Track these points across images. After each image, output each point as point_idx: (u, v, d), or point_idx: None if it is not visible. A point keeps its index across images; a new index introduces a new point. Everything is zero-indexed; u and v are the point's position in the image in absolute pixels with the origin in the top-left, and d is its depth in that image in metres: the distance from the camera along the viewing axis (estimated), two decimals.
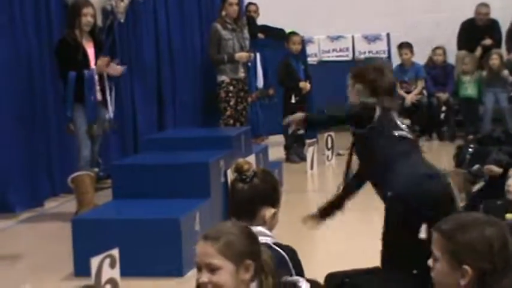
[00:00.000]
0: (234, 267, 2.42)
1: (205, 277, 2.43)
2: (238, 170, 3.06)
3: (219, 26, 9.06)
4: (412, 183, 3.99)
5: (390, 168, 4.09)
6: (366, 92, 4.40)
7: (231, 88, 9.07)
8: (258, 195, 3.04)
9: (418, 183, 3.98)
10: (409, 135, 4.25)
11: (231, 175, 3.23)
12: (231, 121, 9.05)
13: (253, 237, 2.52)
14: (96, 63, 6.98)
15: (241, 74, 9.16)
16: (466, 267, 2.25)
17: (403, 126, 4.29)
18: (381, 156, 4.15)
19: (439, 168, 4.18)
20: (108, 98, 7.09)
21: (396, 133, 4.21)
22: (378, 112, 4.23)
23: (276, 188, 3.14)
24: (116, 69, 7.19)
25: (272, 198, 3.07)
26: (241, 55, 9.02)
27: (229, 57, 8.99)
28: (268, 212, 3.03)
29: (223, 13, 9.09)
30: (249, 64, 9.31)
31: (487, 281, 2.25)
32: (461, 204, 3.89)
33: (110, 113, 7.15)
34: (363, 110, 4.32)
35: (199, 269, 2.46)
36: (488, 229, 2.29)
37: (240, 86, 9.17)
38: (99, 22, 7.98)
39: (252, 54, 9.37)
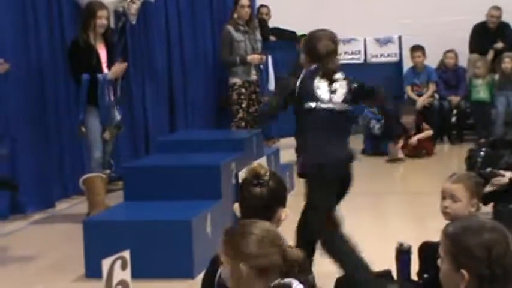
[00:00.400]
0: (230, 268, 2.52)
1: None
2: (256, 175, 3.08)
3: (231, 28, 9.07)
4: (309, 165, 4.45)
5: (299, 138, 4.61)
6: (307, 59, 4.68)
7: (243, 90, 9.07)
8: (276, 198, 3.10)
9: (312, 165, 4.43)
10: (323, 106, 4.47)
11: (243, 179, 3.21)
12: (243, 123, 9.05)
13: (262, 240, 2.52)
14: (108, 66, 6.99)
15: (253, 76, 9.16)
16: (464, 271, 2.25)
17: (323, 96, 4.48)
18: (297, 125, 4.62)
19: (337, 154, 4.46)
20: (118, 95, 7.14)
21: (307, 105, 4.48)
22: (297, 84, 4.54)
23: (286, 187, 3.24)
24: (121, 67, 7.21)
25: (285, 198, 3.14)
26: (253, 57, 9.02)
27: (241, 59, 8.99)
28: (284, 212, 3.09)
29: (235, 15, 9.10)
30: (261, 66, 9.31)
31: (485, 287, 2.24)
32: (473, 209, 3.89)
33: (119, 114, 7.18)
34: (279, 90, 4.93)
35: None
36: (489, 234, 2.28)
37: (252, 89, 9.17)
38: (112, 24, 8.01)
39: (264, 57, 9.37)
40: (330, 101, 4.48)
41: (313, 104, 4.47)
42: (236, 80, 9.11)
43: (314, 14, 11.95)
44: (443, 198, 3.95)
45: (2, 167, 6.85)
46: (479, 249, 2.25)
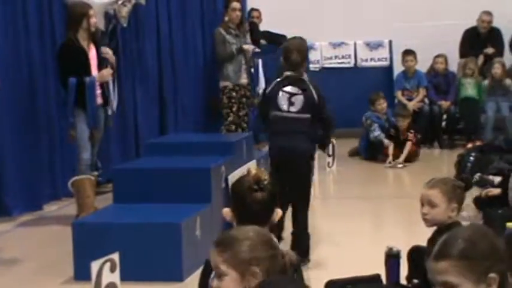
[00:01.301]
0: (238, 276, 2.44)
1: (216, 282, 2.50)
2: (258, 181, 3.06)
3: (221, 30, 9.10)
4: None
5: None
6: (286, 67, 5.68)
7: (234, 94, 9.09)
8: (273, 200, 3.10)
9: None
10: (284, 114, 5.54)
11: (241, 185, 3.15)
12: (233, 127, 9.06)
13: (267, 244, 2.51)
14: (98, 66, 6.98)
15: (244, 80, 9.18)
16: (492, 275, 2.22)
17: (285, 106, 5.55)
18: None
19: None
20: (111, 93, 7.11)
21: (272, 113, 5.58)
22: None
23: (277, 186, 3.21)
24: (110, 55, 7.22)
25: (278, 198, 3.14)
26: (248, 46, 9.12)
27: (237, 50, 9.06)
28: (277, 213, 3.09)
29: (226, 18, 9.12)
30: (252, 70, 9.32)
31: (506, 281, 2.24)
32: (453, 214, 3.90)
33: (113, 107, 7.17)
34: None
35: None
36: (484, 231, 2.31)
37: (243, 92, 9.18)
38: (102, 26, 7.99)
39: (255, 47, 9.45)
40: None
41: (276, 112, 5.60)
42: (227, 84, 9.13)
43: (305, 18, 11.97)
44: (422, 205, 3.96)
45: None
46: (493, 248, 2.25)
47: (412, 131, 10.09)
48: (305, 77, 5.69)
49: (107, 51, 7.15)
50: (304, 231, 5.51)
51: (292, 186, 5.37)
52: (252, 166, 6.93)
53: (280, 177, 4.97)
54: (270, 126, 5.67)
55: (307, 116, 5.53)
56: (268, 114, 5.60)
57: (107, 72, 7.03)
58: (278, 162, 5.56)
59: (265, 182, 3.06)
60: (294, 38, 5.98)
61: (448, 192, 3.90)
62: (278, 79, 5.67)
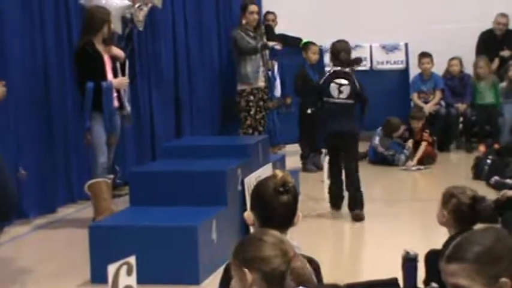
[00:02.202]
0: (238, 276, 2.49)
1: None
2: (284, 183, 3.05)
3: (240, 31, 9.13)
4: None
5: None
6: (335, 63, 7.38)
7: (252, 98, 9.09)
8: (297, 202, 3.10)
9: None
10: (336, 101, 7.16)
11: (267, 188, 3.12)
12: (251, 130, 9.06)
13: (270, 248, 2.50)
14: (113, 72, 7.01)
15: (261, 83, 9.19)
16: (504, 280, 2.20)
17: (335, 94, 7.15)
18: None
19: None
20: (123, 95, 7.13)
21: (325, 99, 7.20)
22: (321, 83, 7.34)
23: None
24: (119, 52, 7.22)
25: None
26: (272, 43, 9.39)
27: (262, 45, 9.10)
28: (298, 215, 3.09)
29: (244, 21, 9.15)
30: (269, 73, 9.32)
31: None
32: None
33: (127, 108, 7.19)
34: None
35: None
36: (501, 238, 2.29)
37: (260, 95, 9.18)
38: (119, 30, 8.01)
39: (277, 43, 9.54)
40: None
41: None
42: (245, 87, 9.13)
43: (320, 21, 11.96)
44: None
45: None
46: (508, 252, 2.24)
47: (427, 131, 10.05)
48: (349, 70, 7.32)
49: (116, 50, 7.14)
50: (359, 189, 7.13)
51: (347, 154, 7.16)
52: (266, 168, 6.93)
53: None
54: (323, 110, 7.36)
55: (352, 102, 7.16)
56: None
57: (125, 80, 7.08)
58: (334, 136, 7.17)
59: (290, 185, 3.06)
60: (339, 40, 7.51)
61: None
62: (328, 73, 7.39)
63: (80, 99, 7.07)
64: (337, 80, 7.14)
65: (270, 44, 9.33)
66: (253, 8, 9.11)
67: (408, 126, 10.19)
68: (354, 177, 7.13)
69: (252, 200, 3.15)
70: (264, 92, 9.22)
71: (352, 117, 7.20)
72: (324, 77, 7.33)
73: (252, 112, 9.10)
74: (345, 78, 7.17)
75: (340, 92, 7.12)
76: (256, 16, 9.16)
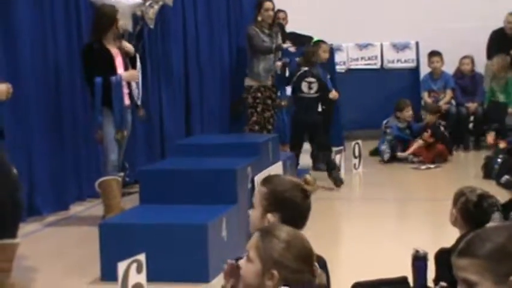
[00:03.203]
0: (261, 269, 2.45)
1: (242, 261, 2.53)
2: (313, 186, 3.09)
3: (255, 28, 9.13)
4: None
5: None
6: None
7: (259, 94, 9.08)
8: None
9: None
10: (307, 96, 8.80)
11: (299, 190, 3.13)
12: (257, 127, 9.04)
13: (299, 255, 2.48)
14: (125, 69, 7.01)
15: (269, 81, 9.18)
16: None
17: (306, 90, 8.80)
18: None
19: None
20: (135, 88, 7.12)
21: (298, 94, 8.83)
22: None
23: None
24: (128, 47, 7.19)
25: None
26: (286, 45, 9.57)
27: (277, 47, 9.11)
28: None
29: (260, 18, 9.13)
30: (278, 72, 9.31)
31: None
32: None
33: (138, 100, 7.18)
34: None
35: None
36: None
37: (268, 94, 9.17)
38: (130, 28, 8.02)
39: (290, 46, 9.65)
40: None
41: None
42: (253, 83, 9.12)
43: (331, 19, 11.96)
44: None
45: (18, 167, 6.87)
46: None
47: (428, 131, 10.02)
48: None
49: (126, 45, 7.13)
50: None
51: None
52: (276, 166, 6.93)
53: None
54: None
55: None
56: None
57: (135, 72, 7.05)
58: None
59: (314, 187, 3.11)
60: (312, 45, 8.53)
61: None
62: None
63: (89, 97, 7.08)
64: (307, 79, 8.72)
65: (285, 45, 9.32)
66: (268, 5, 9.09)
67: (415, 117, 10.18)
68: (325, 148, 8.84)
69: (279, 202, 3.07)
70: (271, 91, 9.21)
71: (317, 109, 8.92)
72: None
73: (259, 109, 9.09)
74: (313, 76, 8.74)
75: (310, 88, 8.74)
76: (271, 13, 9.15)
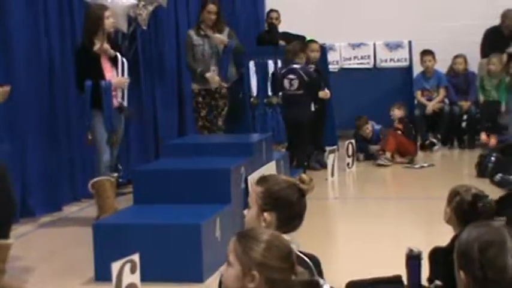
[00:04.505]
0: (240, 271, 2.43)
1: (223, 267, 2.53)
2: (309, 185, 3.08)
3: (192, 33, 8.78)
4: None
5: None
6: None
7: (200, 99, 8.79)
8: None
9: None
10: (288, 92, 9.15)
11: (297, 190, 3.12)
12: (205, 132, 8.78)
13: (281, 254, 2.48)
14: (116, 69, 6.99)
15: (213, 84, 8.76)
16: (461, 272, 2.28)
17: (287, 86, 9.12)
18: None
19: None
20: (125, 90, 7.08)
21: (283, 92, 9.26)
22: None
23: None
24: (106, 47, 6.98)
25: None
26: (212, 77, 8.69)
27: (200, 72, 8.68)
28: None
29: (201, 19, 8.79)
30: (220, 51, 8.75)
31: None
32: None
33: (125, 101, 7.11)
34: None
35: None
36: (487, 236, 2.29)
37: (211, 97, 8.81)
38: (125, 29, 8.00)
39: (222, 40, 8.74)
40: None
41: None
42: (194, 87, 8.87)
43: (324, 19, 11.96)
44: None
45: (12, 168, 6.86)
46: (473, 251, 2.25)
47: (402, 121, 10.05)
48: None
49: (105, 46, 7.01)
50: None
51: None
52: (269, 165, 6.93)
53: None
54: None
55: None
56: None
57: (124, 80, 7.01)
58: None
59: (310, 185, 3.09)
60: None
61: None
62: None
63: (80, 99, 7.07)
64: (288, 76, 9.06)
65: (208, 75, 8.66)
66: (211, 7, 8.69)
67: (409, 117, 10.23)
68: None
69: (274, 201, 3.06)
70: (216, 92, 8.80)
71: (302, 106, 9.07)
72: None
73: (202, 114, 8.82)
74: (293, 73, 9.01)
75: (291, 85, 9.03)
76: (213, 17, 8.68)
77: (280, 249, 2.46)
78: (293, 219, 3.03)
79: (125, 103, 7.10)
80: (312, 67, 9.50)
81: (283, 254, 2.45)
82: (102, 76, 6.84)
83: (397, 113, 10.20)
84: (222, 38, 8.71)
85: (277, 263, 2.42)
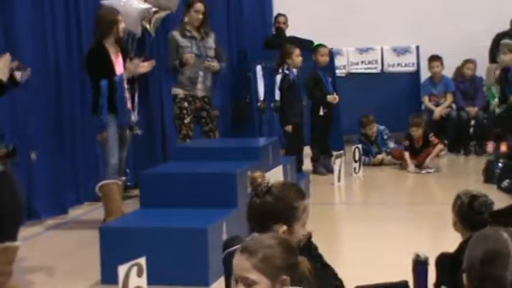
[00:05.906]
0: (270, 283, 2.38)
1: None
2: (252, 184, 3.05)
3: (176, 34, 8.29)
4: None
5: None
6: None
7: (186, 104, 8.21)
8: (268, 213, 3.04)
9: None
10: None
11: (286, 192, 3.12)
12: (188, 141, 8.14)
13: (291, 251, 2.48)
14: (125, 67, 6.99)
15: (200, 91, 8.28)
16: (465, 277, 2.31)
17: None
18: None
19: None
20: (136, 100, 7.10)
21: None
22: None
23: (292, 205, 3.09)
24: (144, 66, 7.07)
25: (286, 215, 3.02)
26: (188, 56, 8.07)
27: (180, 62, 8.11)
28: (281, 228, 3.01)
29: (186, 19, 8.31)
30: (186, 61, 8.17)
31: None
32: None
33: (135, 116, 7.12)
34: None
35: (237, 281, 2.43)
36: (487, 246, 2.30)
37: (199, 105, 8.30)
38: (139, 32, 8.00)
39: (217, 65, 8.38)
40: None
41: None
42: (178, 92, 8.27)
43: (332, 24, 11.97)
44: None
45: (17, 170, 6.88)
46: (476, 260, 2.25)
47: (432, 135, 9.95)
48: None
49: (143, 65, 6.99)
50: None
51: None
52: (276, 170, 6.93)
53: None
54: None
55: None
56: None
57: (132, 64, 6.88)
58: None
59: (260, 188, 3.10)
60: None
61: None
62: None
63: (90, 101, 7.07)
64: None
65: (184, 57, 8.09)
66: (199, 6, 8.24)
67: (408, 135, 10.03)
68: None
69: (283, 211, 3.10)
70: (203, 101, 8.31)
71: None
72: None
73: (186, 121, 8.19)
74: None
75: None
76: (200, 16, 8.22)
77: (286, 245, 2.47)
78: (247, 218, 3.14)
79: (134, 118, 7.07)
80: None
81: (288, 248, 2.47)
82: (114, 74, 6.87)
83: (415, 133, 9.96)
84: (214, 65, 8.32)
85: (292, 259, 2.44)
